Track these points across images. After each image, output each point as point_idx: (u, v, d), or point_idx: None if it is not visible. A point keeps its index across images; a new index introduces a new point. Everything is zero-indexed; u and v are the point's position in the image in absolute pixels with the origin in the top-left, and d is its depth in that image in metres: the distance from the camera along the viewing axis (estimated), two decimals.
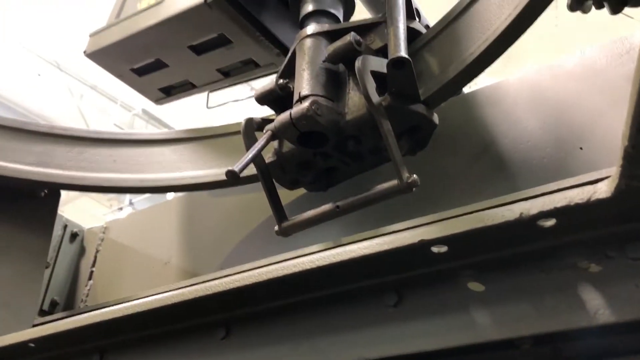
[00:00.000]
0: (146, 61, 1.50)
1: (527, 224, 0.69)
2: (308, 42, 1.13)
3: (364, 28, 1.13)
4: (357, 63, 0.99)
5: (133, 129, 12.79)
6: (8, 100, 13.43)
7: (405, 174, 0.95)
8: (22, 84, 12.56)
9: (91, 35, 1.56)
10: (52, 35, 10.97)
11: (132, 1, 1.56)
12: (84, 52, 1.54)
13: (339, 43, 1.06)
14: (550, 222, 0.69)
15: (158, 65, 1.51)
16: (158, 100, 1.66)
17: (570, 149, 1.08)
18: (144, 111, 12.05)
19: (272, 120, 1.16)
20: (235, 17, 1.34)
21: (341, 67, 1.10)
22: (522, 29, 0.94)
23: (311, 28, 1.15)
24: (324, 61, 1.09)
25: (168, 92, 1.62)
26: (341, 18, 1.23)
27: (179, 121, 12.74)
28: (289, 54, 1.17)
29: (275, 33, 1.40)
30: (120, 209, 11.69)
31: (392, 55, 0.97)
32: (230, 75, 1.54)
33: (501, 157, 1.15)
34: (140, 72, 1.54)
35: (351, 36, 1.04)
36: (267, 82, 1.16)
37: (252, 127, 1.14)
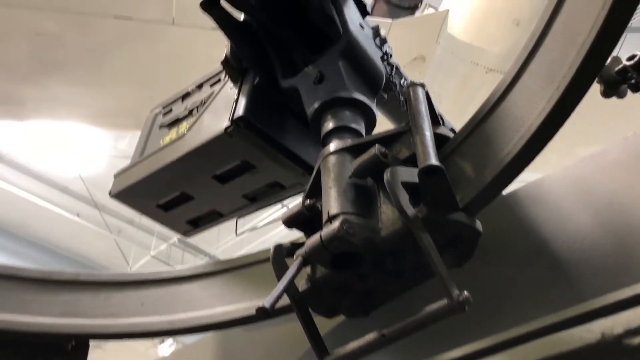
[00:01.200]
0: (171, 196, 1.48)
1: (612, 344, 0.58)
2: (332, 159, 1.08)
3: (388, 139, 1.08)
4: (386, 175, 0.93)
5: (170, 259, 12.88)
6: (48, 242, 13.79)
7: (455, 292, 0.85)
8: (61, 225, 12.95)
9: (116, 176, 1.55)
10: (89, 175, 11.44)
11: (154, 138, 1.57)
12: (109, 193, 1.53)
13: (364, 157, 1.01)
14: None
15: (184, 198, 1.48)
16: (186, 233, 1.62)
17: (634, 245, 0.97)
18: (180, 240, 12.20)
19: (302, 244, 1.09)
20: (256, 143, 1.32)
21: (369, 180, 1.04)
22: (559, 122, 0.88)
23: (334, 145, 1.11)
24: (350, 177, 1.03)
25: (196, 224, 1.58)
26: (363, 132, 1.20)
27: (214, 245, 12.81)
28: (314, 173, 1.12)
29: (298, 153, 1.36)
30: (162, 341, 11.49)
31: (422, 164, 0.91)
32: (257, 200, 1.49)
33: (556, 260, 1.05)
34: (167, 207, 1.51)
35: (376, 148, 0.99)
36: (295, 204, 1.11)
37: (282, 254, 1.07)
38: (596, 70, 0.85)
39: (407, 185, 0.94)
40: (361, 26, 1.30)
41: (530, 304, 1.04)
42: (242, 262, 1.39)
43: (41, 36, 5.97)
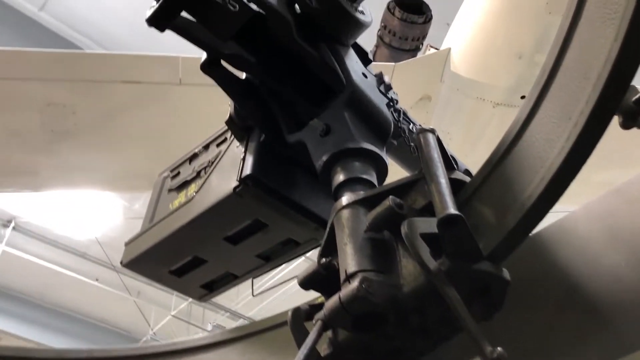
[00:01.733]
0: (184, 261, 1.44)
1: None
2: (345, 213, 1.04)
3: (402, 188, 1.04)
4: (404, 228, 0.88)
5: (191, 317, 12.74)
6: (68, 308, 13.74)
7: (488, 348, 0.79)
8: (80, 291, 12.91)
9: (126, 244, 1.52)
10: (106, 238, 11.46)
11: (164, 202, 1.54)
12: (121, 262, 1.49)
13: (378, 209, 0.97)
14: None
15: (196, 262, 1.44)
16: (202, 298, 1.57)
17: None
18: None
19: (321, 305, 1.04)
20: (267, 201, 1.28)
21: (386, 234, 1.00)
22: (581, 159, 0.84)
23: (346, 198, 1.06)
24: (366, 231, 0.99)
25: (210, 288, 1.54)
26: (375, 182, 1.16)
27: (234, 300, 12.67)
28: (327, 230, 1.08)
29: (310, 208, 1.32)
30: None
31: (440, 214, 0.87)
32: (271, 259, 1.45)
33: (592, 304, 0.98)
34: (180, 272, 1.47)
35: (390, 200, 0.95)
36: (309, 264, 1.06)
37: (301, 318, 1.02)
38: (615, 104, 0.81)
39: (426, 237, 0.89)
40: (364, 75, 1.28)
41: (570, 351, 0.97)
42: (260, 327, 1.33)
43: (52, 106, 6.08)
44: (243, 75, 1.31)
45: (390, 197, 0.96)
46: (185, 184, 1.49)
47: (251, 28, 1.15)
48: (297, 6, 1.21)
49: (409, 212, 0.96)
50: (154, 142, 6.42)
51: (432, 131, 1.01)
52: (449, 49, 7.25)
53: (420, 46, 8.50)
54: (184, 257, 1.43)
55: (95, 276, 12.26)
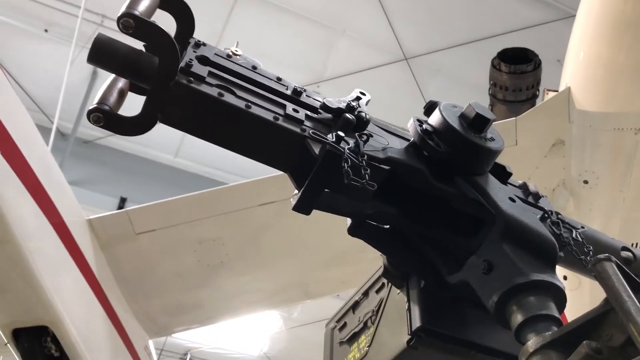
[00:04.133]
0: None
1: None
2: None
3: (593, 324, 0.95)
4: None
5: None
6: None
7: None
8: None
9: None
10: (275, 353, 11.67)
11: (338, 356, 1.54)
12: None
13: (574, 358, 0.89)
14: None
15: None
16: None
17: None
18: None
19: None
20: (444, 348, 1.24)
21: None
22: None
23: (532, 343, 1.00)
24: None
25: None
26: (557, 314, 1.08)
27: None
28: None
29: (491, 345, 1.26)
30: None
31: None
32: None
33: None
34: None
35: (586, 347, 0.87)
36: None
37: None
38: None
39: None
40: (511, 199, 1.23)
41: None
42: None
43: (203, 243, 6.50)
44: (387, 226, 1.31)
45: (586, 342, 0.88)
46: (354, 336, 1.48)
47: (387, 182, 1.17)
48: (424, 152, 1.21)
49: (611, 354, 0.87)
50: (297, 252, 6.61)
51: (609, 259, 0.93)
52: (569, 88, 6.90)
53: (537, 92, 8.19)
54: None
55: None
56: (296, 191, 1.14)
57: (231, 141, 1.18)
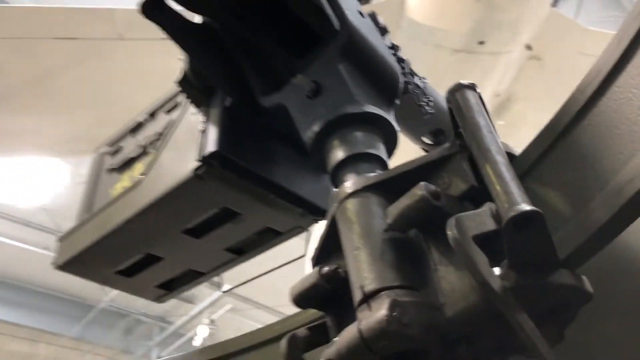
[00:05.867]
0: (133, 259, 1.15)
1: None
2: (352, 204, 0.76)
3: (429, 168, 0.76)
4: (451, 231, 0.61)
5: None
6: (19, 280, 13.14)
7: None
8: (29, 261, 12.33)
9: (61, 240, 1.21)
10: (54, 206, 10.90)
11: (104, 186, 1.23)
12: (53, 264, 1.18)
13: (406, 201, 0.69)
14: None
15: (149, 260, 1.15)
16: (159, 299, 1.29)
17: None
18: None
19: (324, 329, 0.78)
20: (237, 184, 0.99)
21: (412, 232, 0.73)
22: None
23: (351, 183, 0.78)
24: (386, 230, 0.71)
25: (169, 287, 1.25)
26: (386, 157, 0.88)
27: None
28: (327, 226, 0.80)
29: (294, 190, 1.04)
30: None
31: (507, 210, 0.60)
32: (245, 252, 1.17)
33: None
34: (129, 272, 1.18)
35: (423, 188, 0.67)
36: (305, 276, 0.78)
37: (298, 350, 0.75)
38: None
39: (477, 239, 0.63)
40: (360, 14, 0.98)
41: None
42: (234, 347, 1.04)
43: None
44: (198, 19, 0.98)
45: (423, 183, 0.68)
46: (128, 163, 1.18)
47: None
48: None
49: (450, 204, 0.69)
50: (97, 102, 6.03)
51: (473, 87, 0.73)
52: None
53: None
54: (134, 255, 1.14)
55: (43, 245, 11.63)
56: None
57: None
